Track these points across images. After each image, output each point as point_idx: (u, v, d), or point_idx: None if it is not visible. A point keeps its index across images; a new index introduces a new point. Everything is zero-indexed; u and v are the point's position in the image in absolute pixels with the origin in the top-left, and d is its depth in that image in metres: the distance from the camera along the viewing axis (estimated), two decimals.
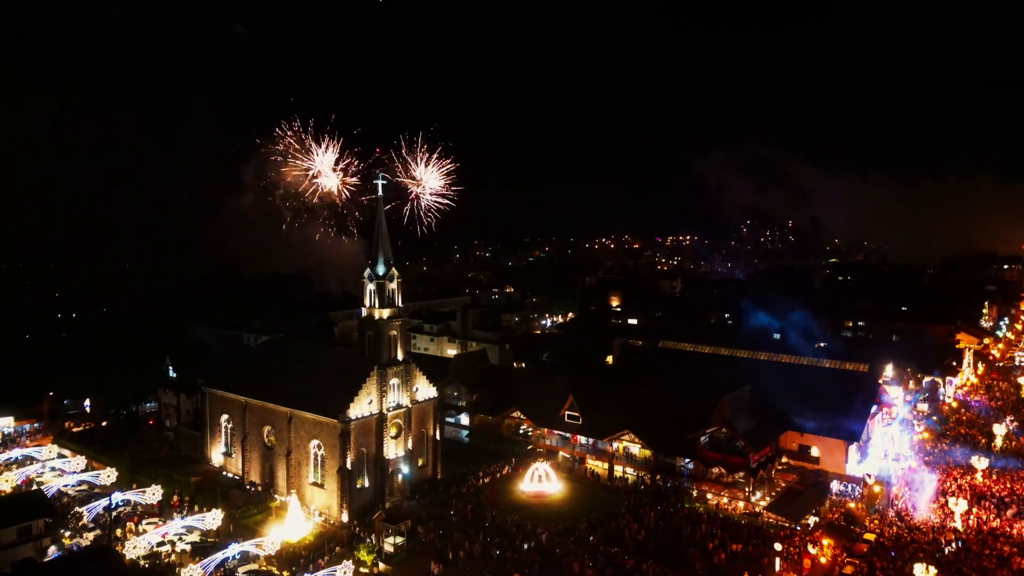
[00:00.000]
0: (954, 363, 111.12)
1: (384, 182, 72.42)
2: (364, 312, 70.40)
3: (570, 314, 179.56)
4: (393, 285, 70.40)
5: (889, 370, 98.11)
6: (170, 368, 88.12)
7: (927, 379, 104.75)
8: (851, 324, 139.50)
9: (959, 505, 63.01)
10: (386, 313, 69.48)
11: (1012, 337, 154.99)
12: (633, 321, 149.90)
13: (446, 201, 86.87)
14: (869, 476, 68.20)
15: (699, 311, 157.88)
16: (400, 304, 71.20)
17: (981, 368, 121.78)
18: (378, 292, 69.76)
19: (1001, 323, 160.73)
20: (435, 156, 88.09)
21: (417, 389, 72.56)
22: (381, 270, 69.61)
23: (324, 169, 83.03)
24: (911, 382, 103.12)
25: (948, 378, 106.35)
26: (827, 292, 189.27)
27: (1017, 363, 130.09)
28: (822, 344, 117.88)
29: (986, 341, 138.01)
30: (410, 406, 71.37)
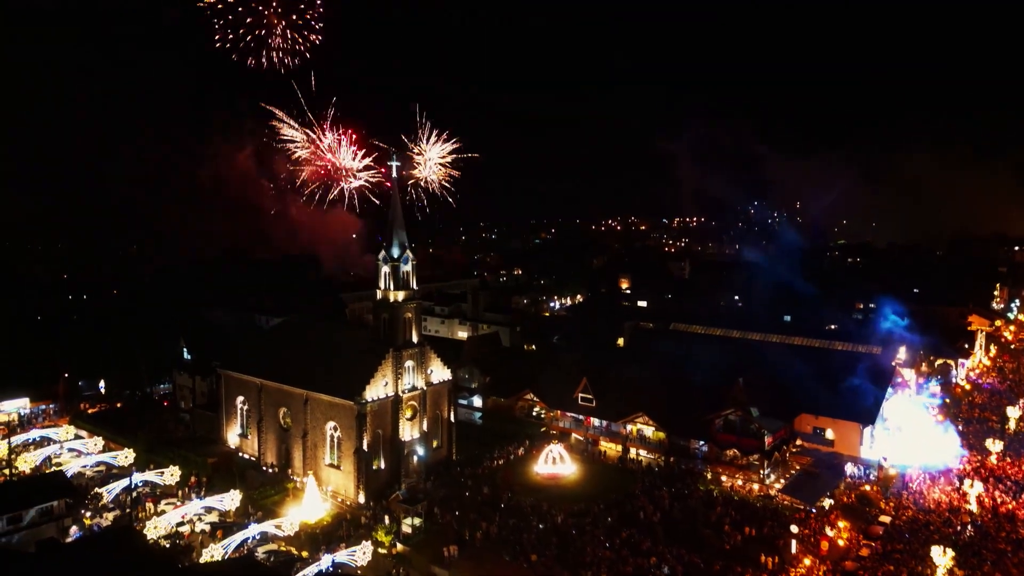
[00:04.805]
0: (966, 345, 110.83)
1: (398, 164, 72.21)
2: (379, 295, 70.41)
3: (578, 296, 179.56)
4: (407, 268, 70.31)
5: (902, 352, 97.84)
6: (184, 350, 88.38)
7: (939, 361, 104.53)
8: (861, 306, 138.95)
9: (974, 488, 63.09)
10: (401, 296, 69.49)
11: (1023, 319, 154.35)
12: (643, 303, 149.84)
13: (453, 177, 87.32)
14: (885, 459, 68.22)
15: (709, 293, 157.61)
16: (415, 287, 71.18)
17: (993, 350, 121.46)
18: (392, 275, 69.70)
19: (1012, 304, 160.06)
20: (440, 139, 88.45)
21: (432, 371, 72.73)
22: (396, 252, 69.48)
23: (329, 149, 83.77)
24: (923, 364, 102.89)
25: (960, 360, 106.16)
26: (836, 274, 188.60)
27: None
28: (833, 326, 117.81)
29: (997, 323, 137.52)
30: (425, 388, 71.58)
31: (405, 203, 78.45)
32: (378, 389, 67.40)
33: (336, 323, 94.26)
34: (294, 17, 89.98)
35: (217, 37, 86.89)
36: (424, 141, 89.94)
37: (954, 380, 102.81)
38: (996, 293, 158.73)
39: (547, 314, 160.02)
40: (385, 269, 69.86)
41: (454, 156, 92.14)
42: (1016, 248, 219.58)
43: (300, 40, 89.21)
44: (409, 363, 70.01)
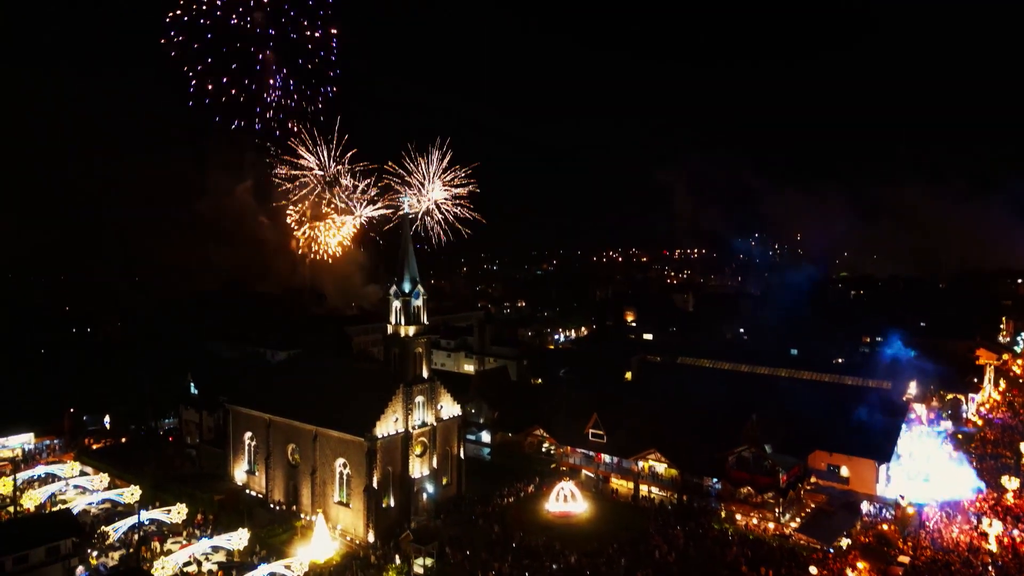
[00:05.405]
0: (975, 379, 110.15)
1: (408, 199, 72.54)
2: (390, 329, 70.12)
3: (583, 328, 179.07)
4: (419, 302, 70.16)
5: (912, 387, 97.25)
6: (192, 384, 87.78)
7: (949, 396, 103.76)
8: (868, 339, 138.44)
9: (993, 527, 62.17)
10: (412, 330, 69.19)
11: None
12: (648, 336, 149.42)
13: (462, 212, 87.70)
14: (902, 497, 67.33)
15: (713, 326, 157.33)
16: (426, 321, 70.94)
17: (1002, 384, 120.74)
18: (404, 309, 69.46)
19: (1018, 338, 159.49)
20: (441, 171, 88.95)
21: (442, 407, 72.17)
22: (407, 287, 69.37)
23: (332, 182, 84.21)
24: (934, 399, 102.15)
25: (970, 395, 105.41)
26: (841, 307, 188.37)
27: None
28: (840, 360, 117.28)
29: (1004, 357, 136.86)
30: (435, 424, 70.95)
31: (416, 236, 78.63)
32: (388, 425, 66.77)
33: (344, 357, 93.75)
34: (300, 62, 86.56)
35: (193, 85, 79.17)
36: (426, 175, 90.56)
37: (965, 415, 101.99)
38: (1002, 326, 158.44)
39: (551, 347, 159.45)
40: (396, 304, 69.66)
41: (456, 186, 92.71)
42: (1020, 281, 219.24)
43: (309, 93, 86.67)
44: (419, 398, 69.48)
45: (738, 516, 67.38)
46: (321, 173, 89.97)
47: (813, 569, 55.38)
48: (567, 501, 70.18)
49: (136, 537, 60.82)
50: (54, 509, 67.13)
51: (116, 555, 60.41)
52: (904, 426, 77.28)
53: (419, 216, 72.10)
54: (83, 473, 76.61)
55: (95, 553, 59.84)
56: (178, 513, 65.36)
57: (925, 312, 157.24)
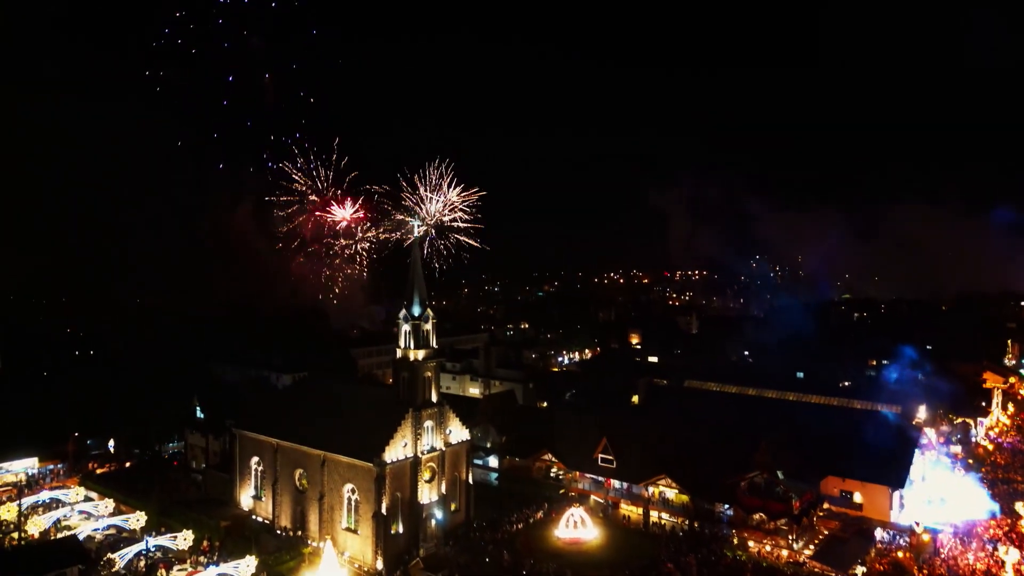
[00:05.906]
0: (983, 403, 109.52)
1: (419, 223, 72.65)
2: (399, 353, 69.80)
3: (587, 351, 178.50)
4: (428, 326, 70.00)
5: (922, 411, 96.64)
6: (197, 408, 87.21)
7: (958, 420, 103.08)
8: (875, 363, 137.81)
9: (1009, 555, 61.37)
10: (421, 354, 68.90)
11: None
12: (654, 359, 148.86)
13: (465, 236, 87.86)
14: (917, 524, 66.58)
15: (718, 348, 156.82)
16: (435, 345, 70.66)
17: (1011, 408, 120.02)
18: (413, 333, 69.21)
19: None
20: (443, 190, 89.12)
21: (450, 431, 71.66)
22: (417, 311, 69.20)
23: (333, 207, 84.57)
24: (943, 423, 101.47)
25: (979, 419, 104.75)
26: (845, 329, 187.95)
27: None
28: (846, 383, 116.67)
29: (1011, 380, 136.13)
30: (444, 449, 70.38)
31: (424, 260, 78.69)
32: (397, 450, 66.22)
33: (352, 382, 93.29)
34: (302, 94, 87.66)
35: (183, 119, 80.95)
36: (425, 200, 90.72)
37: (974, 439, 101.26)
38: (1008, 349, 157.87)
39: (556, 369, 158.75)
40: (406, 328, 69.39)
41: (457, 210, 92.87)
42: (1023, 303, 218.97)
43: (305, 123, 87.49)
44: (428, 423, 69.00)
45: (751, 543, 66.60)
46: (317, 198, 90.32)
47: None
48: (577, 527, 69.36)
49: (142, 564, 60.03)
50: (59, 535, 66.42)
51: None
52: (917, 451, 76.51)
53: (417, 242, 72.02)
54: (88, 498, 75.89)
55: None
56: (184, 539, 64.59)
57: (929, 335, 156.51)
